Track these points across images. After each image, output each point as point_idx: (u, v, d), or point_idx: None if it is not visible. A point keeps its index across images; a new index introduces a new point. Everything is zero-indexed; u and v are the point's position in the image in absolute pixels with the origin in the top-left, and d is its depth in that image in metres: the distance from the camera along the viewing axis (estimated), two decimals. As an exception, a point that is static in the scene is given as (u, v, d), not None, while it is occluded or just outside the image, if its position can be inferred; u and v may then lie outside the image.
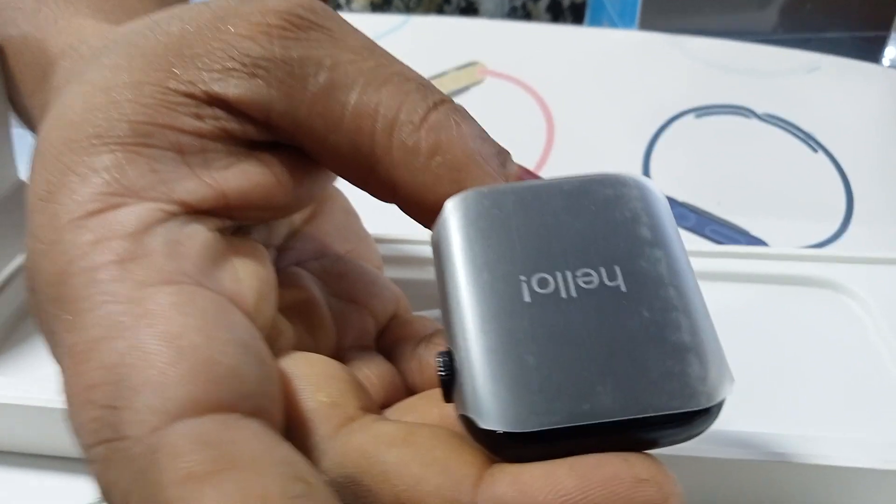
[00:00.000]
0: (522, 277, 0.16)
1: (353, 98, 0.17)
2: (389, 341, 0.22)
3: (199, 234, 0.17)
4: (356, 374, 0.19)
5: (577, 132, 0.38)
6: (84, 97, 0.17)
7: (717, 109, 0.38)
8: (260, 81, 0.17)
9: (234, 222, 0.18)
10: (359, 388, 0.18)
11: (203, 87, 0.17)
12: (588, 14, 0.47)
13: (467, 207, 0.17)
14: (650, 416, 0.14)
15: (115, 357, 0.14)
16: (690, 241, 0.33)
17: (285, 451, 0.13)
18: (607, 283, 0.16)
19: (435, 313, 0.23)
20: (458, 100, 0.44)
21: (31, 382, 0.25)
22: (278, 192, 0.18)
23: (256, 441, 0.13)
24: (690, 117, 0.38)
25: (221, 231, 0.18)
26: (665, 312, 0.15)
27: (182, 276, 0.15)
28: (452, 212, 0.17)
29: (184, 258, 0.16)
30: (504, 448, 0.15)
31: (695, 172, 0.36)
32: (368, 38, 0.19)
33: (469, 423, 0.15)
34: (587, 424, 0.15)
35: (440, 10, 0.57)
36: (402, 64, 0.19)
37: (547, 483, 0.14)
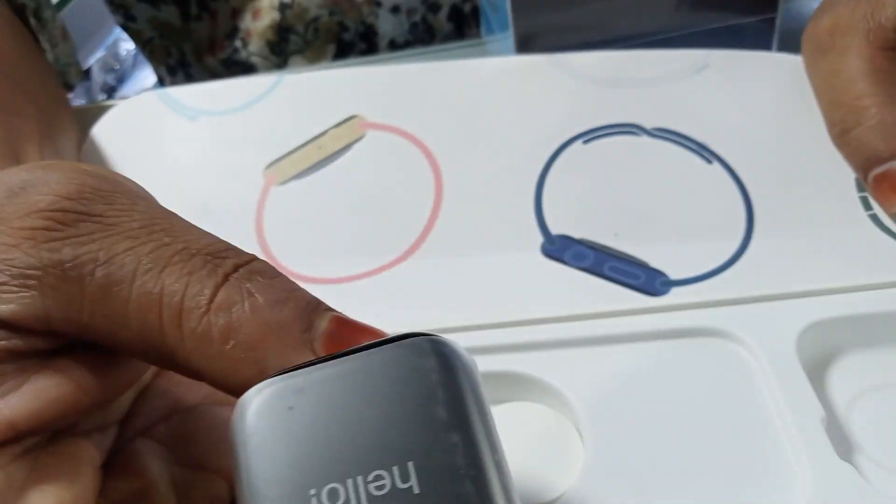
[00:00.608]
0: (312, 491, 0.15)
1: (134, 291, 0.16)
2: None
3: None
4: None
5: (465, 178, 0.36)
6: None
7: (604, 131, 0.36)
8: (33, 293, 0.16)
9: (42, 435, 0.17)
10: None
11: None
12: (482, 20, 0.45)
13: (259, 410, 0.16)
14: None
15: None
16: (585, 285, 0.31)
17: None
18: (399, 485, 0.14)
19: None
20: (341, 160, 0.42)
21: None
22: (81, 396, 0.17)
23: None
24: (578, 144, 0.36)
25: (26, 452, 0.16)
26: None
27: None
28: (244, 415, 0.16)
29: None
30: None
31: (589, 204, 0.34)
32: (148, 212, 0.17)
33: None
34: None
35: (339, 39, 0.55)
36: (189, 234, 0.17)
37: None
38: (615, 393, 0.25)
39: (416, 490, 0.15)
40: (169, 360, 0.17)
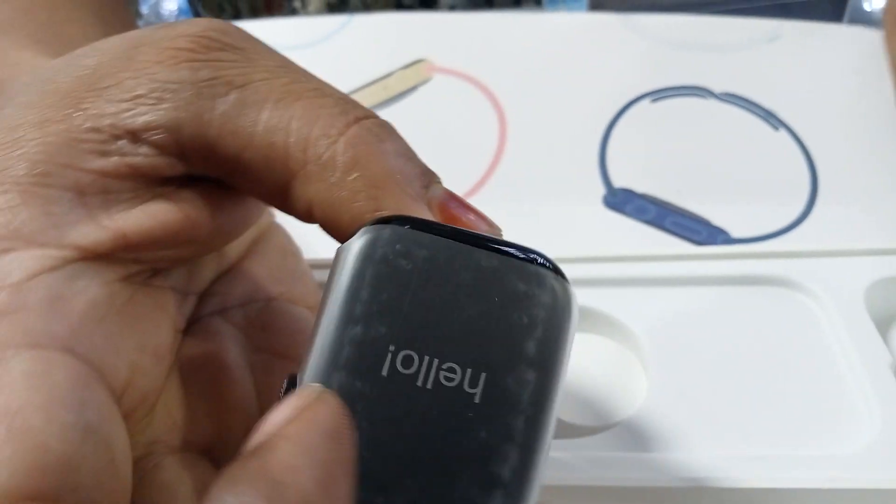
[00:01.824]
0: (392, 347, 0.15)
1: (265, 115, 0.17)
2: None
3: (89, 289, 0.16)
4: None
5: (529, 126, 0.37)
6: None
7: (673, 92, 0.36)
8: (167, 105, 0.17)
9: (145, 266, 0.17)
10: None
11: (109, 121, 0.16)
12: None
13: (375, 246, 0.16)
14: None
15: None
16: (646, 237, 0.32)
17: None
18: (466, 388, 0.15)
19: None
20: (406, 100, 0.42)
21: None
22: (188, 229, 0.17)
23: None
24: (646, 102, 0.36)
25: (128, 279, 0.17)
26: (501, 441, 0.15)
27: (49, 340, 0.14)
28: (359, 244, 0.16)
29: (59, 317, 0.15)
30: None
31: (653, 161, 0.35)
32: (286, 58, 0.18)
33: None
34: None
35: (399, 5, 0.55)
36: (320, 81, 0.18)
37: None
38: (680, 331, 0.25)
39: (477, 399, 0.15)
40: (283, 189, 0.17)
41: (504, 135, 0.37)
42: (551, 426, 0.16)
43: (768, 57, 0.37)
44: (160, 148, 0.17)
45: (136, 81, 0.17)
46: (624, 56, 0.38)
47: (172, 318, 0.19)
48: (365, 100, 0.38)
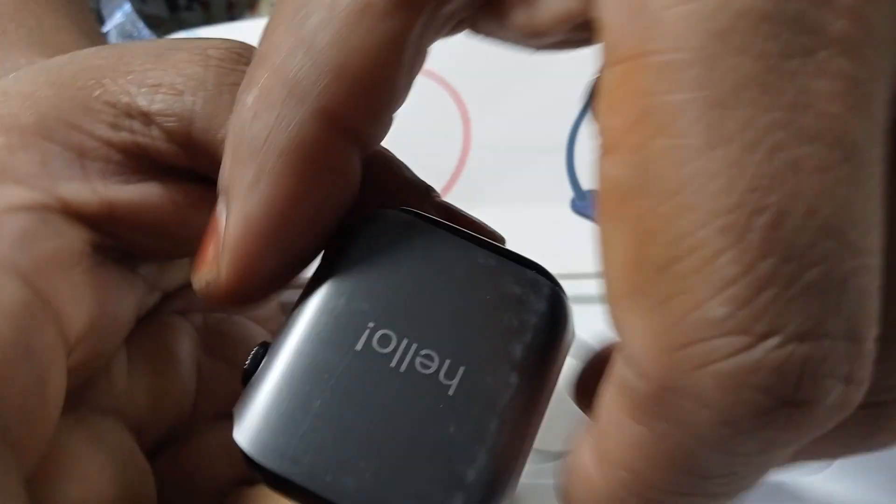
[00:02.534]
0: (371, 324, 0.15)
1: None
2: None
3: (63, 238, 0.16)
4: (206, 450, 0.19)
5: (494, 125, 0.35)
6: (2, 88, 0.17)
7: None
8: (187, 97, 0.17)
9: (121, 245, 0.18)
10: None
11: (127, 99, 0.17)
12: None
13: (373, 229, 0.16)
14: None
15: None
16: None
17: None
18: (441, 377, 0.14)
19: None
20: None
21: None
22: (175, 222, 0.17)
23: None
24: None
25: (103, 249, 0.17)
26: (470, 440, 0.14)
27: (10, 266, 0.14)
28: (360, 226, 0.16)
29: (26, 251, 0.15)
30: (248, 466, 0.14)
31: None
32: None
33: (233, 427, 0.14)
34: (318, 494, 0.14)
35: None
36: None
37: None
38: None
39: (451, 392, 0.14)
40: None
41: (468, 136, 0.35)
42: (529, 439, 0.15)
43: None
44: (170, 135, 0.17)
45: (162, 73, 0.17)
46: (591, 54, 0.36)
47: (136, 300, 0.19)
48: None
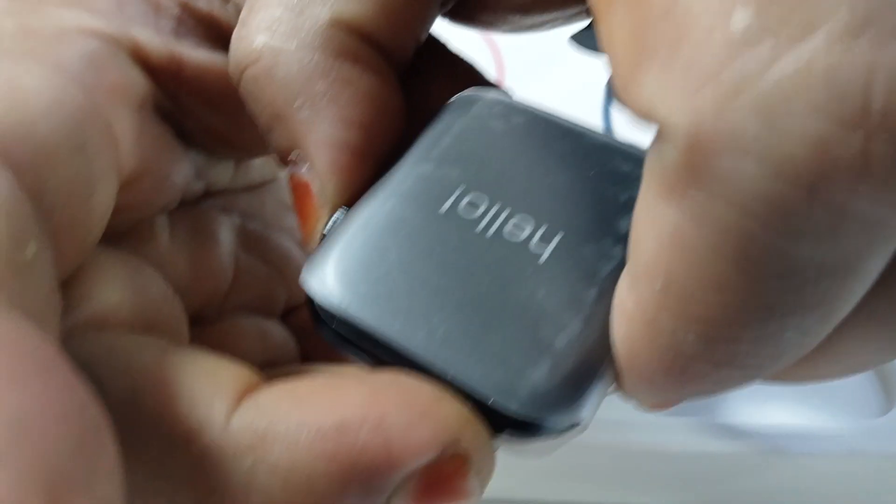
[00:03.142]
0: (458, 191, 0.14)
1: None
2: (297, 323, 0.20)
3: (127, 76, 0.15)
4: (238, 330, 0.18)
5: (529, 77, 0.35)
6: None
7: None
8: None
9: (176, 111, 0.17)
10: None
11: None
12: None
13: (471, 104, 0.15)
14: (449, 378, 0.12)
15: None
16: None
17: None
18: (532, 242, 0.13)
19: None
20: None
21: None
22: (233, 94, 0.16)
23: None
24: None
25: (157, 106, 0.16)
26: (562, 308, 0.13)
27: (74, 78, 0.14)
28: (455, 100, 0.16)
29: (90, 72, 0.14)
30: (313, 314, 0.14)
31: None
32: None
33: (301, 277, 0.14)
34: (386, 341, 0.13)
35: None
36: None
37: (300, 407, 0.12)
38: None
39: (542, 260, 0.13)
40: None
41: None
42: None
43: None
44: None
45: None
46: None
47: (183, 177, 0.18)
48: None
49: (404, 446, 0.11)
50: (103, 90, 0.15)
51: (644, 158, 0.14)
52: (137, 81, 0.16)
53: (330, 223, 0.15)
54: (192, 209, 0.19)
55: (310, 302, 0.14)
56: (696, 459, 0.21)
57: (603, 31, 0.10)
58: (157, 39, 0.16)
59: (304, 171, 0.15)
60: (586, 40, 0.16)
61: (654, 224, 0.10)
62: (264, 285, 0.20)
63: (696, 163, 0.09)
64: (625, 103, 0.10)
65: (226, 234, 0.20)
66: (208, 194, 0.20)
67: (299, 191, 0.15)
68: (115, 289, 0.14)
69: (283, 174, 0.25)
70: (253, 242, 0.21)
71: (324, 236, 0.15)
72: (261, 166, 0.22)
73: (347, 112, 0.15)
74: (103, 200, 0.14)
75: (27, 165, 0.12)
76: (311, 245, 0.16)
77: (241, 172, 0.22)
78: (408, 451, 0.11)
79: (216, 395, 0.12)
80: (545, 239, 0.13)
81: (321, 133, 0.14)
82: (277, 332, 0.19)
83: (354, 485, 0.11)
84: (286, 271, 0.21)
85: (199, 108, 0.17)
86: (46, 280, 0.11)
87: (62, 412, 0.09)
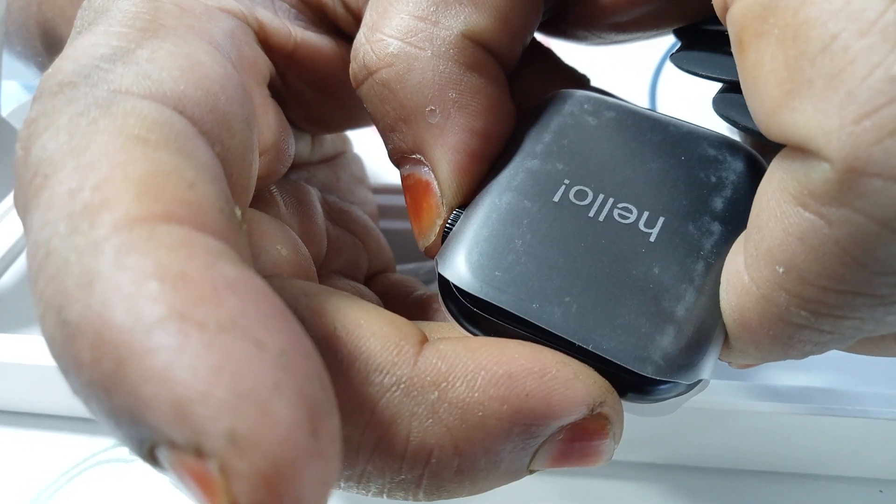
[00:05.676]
0: (566, 181, 0.16)
1: None
2: (378, 289, 0.22)
3: (256, 53, 0.17)
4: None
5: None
6: None
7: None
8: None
9: (285, 91, 0.19)
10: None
11: None
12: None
13: (563, 102, 0.17)
14: (587, 350, 0.14)
15: None
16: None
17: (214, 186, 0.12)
18: (641, 227, 0.14)
19: (419, 267, 0.25)
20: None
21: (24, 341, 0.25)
22: (340, 73, 0.19)
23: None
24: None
25: (272, 86, 0.18)
26: (677, 281, 0.14)
27: (224, 51, 0.15)
28: (548, 100, 0.17)
29: (233, 47, 0.15)
30: (449, 301, 0.15)
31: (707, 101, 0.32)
32: None
33: (438, 267, 0.15)
34: (525, 320, 0.14)
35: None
36: None
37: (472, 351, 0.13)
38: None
39: (652, 239, 0.14)
40: None
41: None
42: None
43: None
44: (347, 5, 0.18)
45: None
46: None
47: (294, 148, 0.19)
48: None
49: (562, 399, 0.13)
50: (242, 63, 0.15)
51: (726, 141, 0.16)
52: (262, 59, 0.17)
53: (451, 219, 0.16)
54: (287, 180, 0.20)
55: (445, 288, 0.15)
56: (743, 418, 0.22)
57: (749, 60, 0.11)
58: (277, 21, 0.17)
59: (423, 172, 0.16)
60: (688, 62, 0.17)
61: (783, 219, 0.11)
62: (351, 252, 0.22)
63: (849, 182, 0.10)
64: (769, 126, 0.11)
65: (317, 203, 0.21)
66: (293, 167, 0.22)
67: (416, 189, 0.16)
68: (282, 244, 0.16)
69: (353, 150, 0.27)
70: (336, 213, 0.22)
71: (446, 232, 0.16)
72: (332, 139, 0.24)
73: (474, 121, 0.15)
74: (257, 168, 0.15)
75: (216, 134, 0.13)
76: (426, 240, 0.17)
77: (316, 146, 0.23)
78: (564, 403, 0.13)
79: (404, 339, 0.13)
80: (649, 223, 0.15)
81: (450, 139, 0.15)
82: (369, 295, 0.21)
83: (518, 427, 0.12)
84: (367, 241, 0.22)
85: (303, 87, 0.19)
86: (245, 237, 0.13)
87: (305, 352, 0.10)
